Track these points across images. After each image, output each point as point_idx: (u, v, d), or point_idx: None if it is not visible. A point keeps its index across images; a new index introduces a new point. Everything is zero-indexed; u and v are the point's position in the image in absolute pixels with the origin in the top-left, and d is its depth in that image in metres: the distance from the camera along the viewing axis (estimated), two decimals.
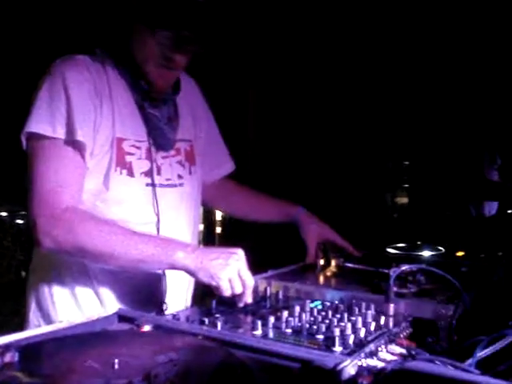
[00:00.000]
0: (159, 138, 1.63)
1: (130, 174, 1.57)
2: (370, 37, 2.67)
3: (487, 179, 2.54)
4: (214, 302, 1.39)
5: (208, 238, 3.50)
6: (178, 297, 1.72)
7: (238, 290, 1.39)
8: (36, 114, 1.49)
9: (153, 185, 1.60)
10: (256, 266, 1.63)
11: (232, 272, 1.38)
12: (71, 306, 1.60)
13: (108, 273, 1.59)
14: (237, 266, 1.39)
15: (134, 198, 1.59)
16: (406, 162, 2.79)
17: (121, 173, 1.56)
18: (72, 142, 1.49)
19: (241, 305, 1.41)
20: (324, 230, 1.94)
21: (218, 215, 3.42)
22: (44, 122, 1.48)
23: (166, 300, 1.61)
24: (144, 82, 1.58)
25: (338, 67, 2.70)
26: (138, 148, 1.59)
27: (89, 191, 1.55)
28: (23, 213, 3.77)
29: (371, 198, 2.65)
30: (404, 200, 2.76)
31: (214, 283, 1.39)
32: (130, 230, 1.48)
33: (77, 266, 1.59)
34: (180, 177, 1.70)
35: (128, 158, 1.57)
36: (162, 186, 1.64)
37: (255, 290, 1.54)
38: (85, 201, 1.54)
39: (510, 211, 2.38)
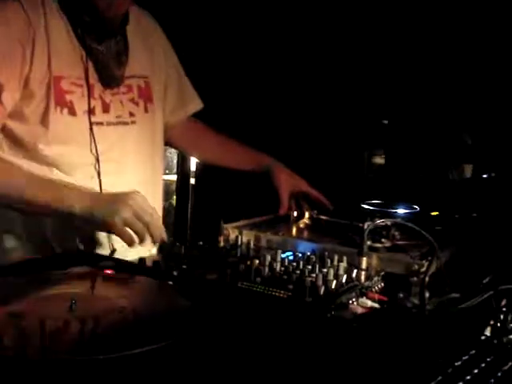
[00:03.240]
0: (104, 75, 1.57)
1: (72, 112, 1.52)
2: None
3: (464, 142, 2.51)
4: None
5: (182, 189, 3.45)
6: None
7: (140, 229, 1.32)
8: None
9: (96, 123, 1.55)
10: (230, 216, 1.59)
11: (125, 216, 1.31)
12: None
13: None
14: (127, 210, 1.31)
15: (77, 138, 1.54)
16: (385, 121, 2.74)
17: (61, 112, 1.51)
18: None
19: (155, 242, 1.36)
20: (297, 181, 1.89)
21: (193, 165, 3.36)
22: None
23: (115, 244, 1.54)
24: (87, 16, 1.51)
25: (317, 21, 2.62)
26: (80, 86, 1.53)
27: (29, 133, 1.51)
28: None
29: (347, 156, 2.61)
30: (381, 160, 2.71)
31: (109, 232, 1.35)
32: (31, 176, 1.44)
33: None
34: (132, 114, 1.64)
35: (68, 97, 1.52)
36: (110, 124, 1.59)
37: (226, 239, 1.51)
38: (26, 143, 1.51)
39: (485, 176, 2.35)
